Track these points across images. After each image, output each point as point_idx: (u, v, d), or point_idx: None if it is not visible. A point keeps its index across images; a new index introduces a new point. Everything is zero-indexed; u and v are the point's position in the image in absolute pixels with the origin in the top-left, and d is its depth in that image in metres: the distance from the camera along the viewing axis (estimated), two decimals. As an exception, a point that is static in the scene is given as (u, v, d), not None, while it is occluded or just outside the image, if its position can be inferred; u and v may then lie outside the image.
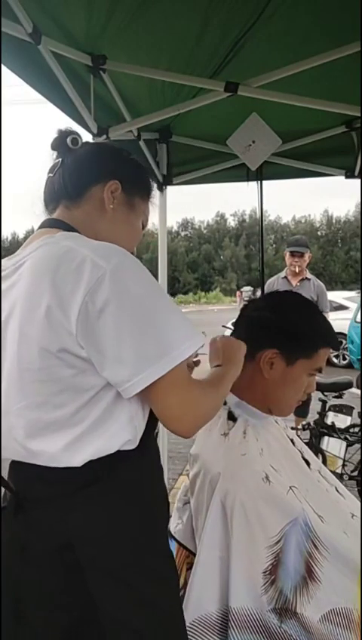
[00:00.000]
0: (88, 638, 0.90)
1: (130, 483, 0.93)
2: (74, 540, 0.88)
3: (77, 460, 0.88)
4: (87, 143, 1.07)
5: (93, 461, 0.89)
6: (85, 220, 1.01)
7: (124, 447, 0.91)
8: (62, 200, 1.02)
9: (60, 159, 1.03)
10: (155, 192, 1.13)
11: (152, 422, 0.97)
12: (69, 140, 1.03)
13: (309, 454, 1.35)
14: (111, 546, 0.89)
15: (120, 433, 0.90)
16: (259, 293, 4.88)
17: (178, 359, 0.84)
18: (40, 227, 1.01)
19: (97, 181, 1.02)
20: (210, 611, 1.06)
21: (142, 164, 1.15)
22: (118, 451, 0.90)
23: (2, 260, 1.00)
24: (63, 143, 1.03)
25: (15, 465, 0.97)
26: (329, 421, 3.54)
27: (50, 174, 1.04)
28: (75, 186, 1.01)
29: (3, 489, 0.99)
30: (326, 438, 3.45)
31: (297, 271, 4.15)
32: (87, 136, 2.03)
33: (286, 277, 4.24)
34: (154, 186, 1.15)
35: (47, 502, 0.91)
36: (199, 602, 1.06)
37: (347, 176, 2.98)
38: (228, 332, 1.19)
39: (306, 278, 4.19)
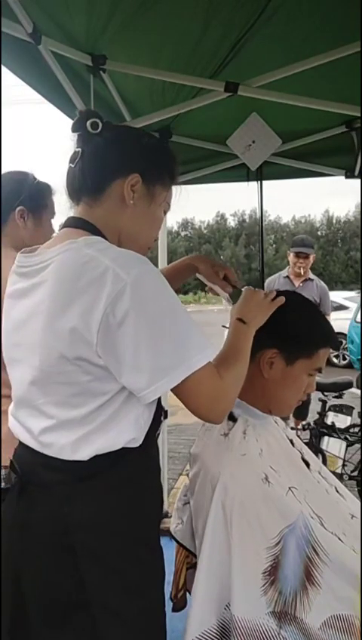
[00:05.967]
0: (78, 618, 0.94)
1: (129, 478, 0.97)
2: (70, 526, 0.92)
3: (84, 454, 0.92)
4: (107, 126, 1.01)
5: (98, 455, 0.93)
6: (107, 218, 1.00)
7: (128, 444, 0.95)
8: (83, 196, 1.01)
9: (80, 149, 1.00)
10: (177, 175, 1.08)
11: (156, 424, 1.01)
12: (88, 123, 0.99)
13: (309, 455, 1.34)
14: (105, 535, 0.93)
15: (126, 432, 0.94)
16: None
17: (192, 369, 0.88)
18: (64, 226, 1.02)
19: (117, 177, 0.99)
20: (211, 624, 1.05)
21: (165, 145, 1.11)
22: (123, 448, 0.94)
23: (22, 256, 1.02)
24: (83, 126, 0.99)
25: (23, 448, 1.00)
26: (329, 421, 3.55)
27: (71, 164, 1.02)
28: (95, 182, 1.00)
29: (3, 470, 1.01)
30: (326, 438, 3.45)
31: (302, 272, 4.05)
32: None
33: (288, 276, 4.14)
34: (177, 168, 1.09)
35: (50, 488, 0.95)
36: (201, 616, 1.05)
37: (347, 176, 2.98)
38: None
39: (309, 279, 4.11)
